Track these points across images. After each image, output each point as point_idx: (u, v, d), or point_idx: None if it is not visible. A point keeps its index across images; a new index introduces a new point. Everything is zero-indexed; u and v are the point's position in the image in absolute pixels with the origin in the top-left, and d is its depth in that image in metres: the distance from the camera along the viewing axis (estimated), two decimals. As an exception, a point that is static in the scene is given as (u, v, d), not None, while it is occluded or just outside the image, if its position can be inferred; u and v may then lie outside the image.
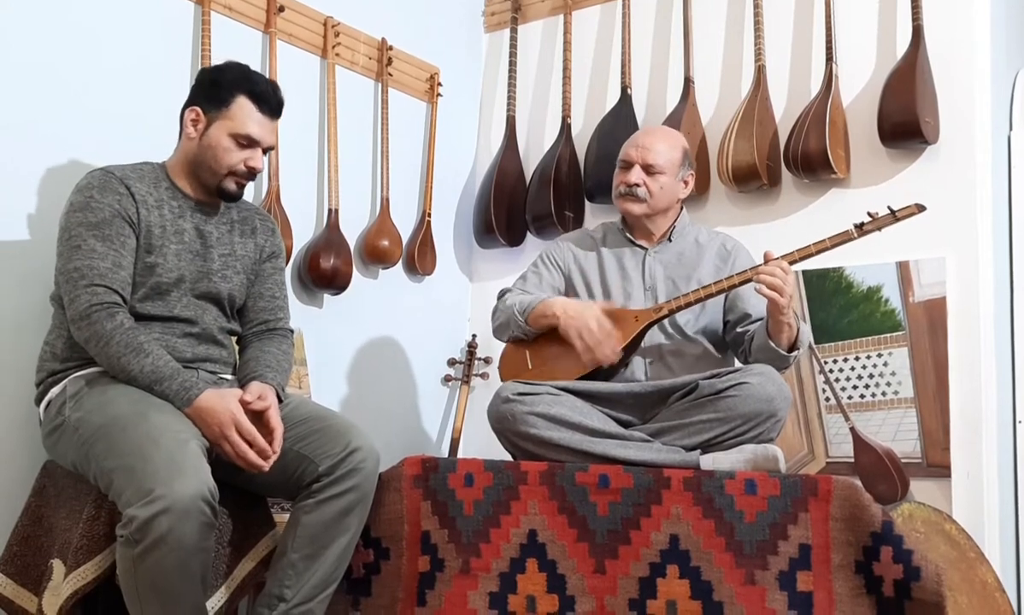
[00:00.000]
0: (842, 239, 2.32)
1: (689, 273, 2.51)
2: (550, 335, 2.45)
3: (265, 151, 2.21)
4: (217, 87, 2.16)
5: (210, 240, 2.21)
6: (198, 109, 2.16)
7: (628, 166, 2.52)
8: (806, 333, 2.37)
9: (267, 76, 2.85)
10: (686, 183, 2.59)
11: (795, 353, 2.33)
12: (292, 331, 2.37)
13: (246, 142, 2.15)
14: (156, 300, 2.11)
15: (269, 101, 2.18)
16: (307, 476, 2.09)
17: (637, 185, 2.49)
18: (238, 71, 2.19)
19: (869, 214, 2.30)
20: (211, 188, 2.19)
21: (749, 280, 2.31)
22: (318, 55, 3.10)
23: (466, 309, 3.65)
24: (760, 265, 2.28)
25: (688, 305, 2.38)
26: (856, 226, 2.31)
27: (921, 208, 2.30)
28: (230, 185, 2.18)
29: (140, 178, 2.13)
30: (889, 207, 2.31)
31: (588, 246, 2.64)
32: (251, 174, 2.19)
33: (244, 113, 2.14)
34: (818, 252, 2.33)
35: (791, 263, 2.29)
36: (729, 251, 2.55)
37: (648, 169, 2.50)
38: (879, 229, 2.31)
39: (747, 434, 2.19)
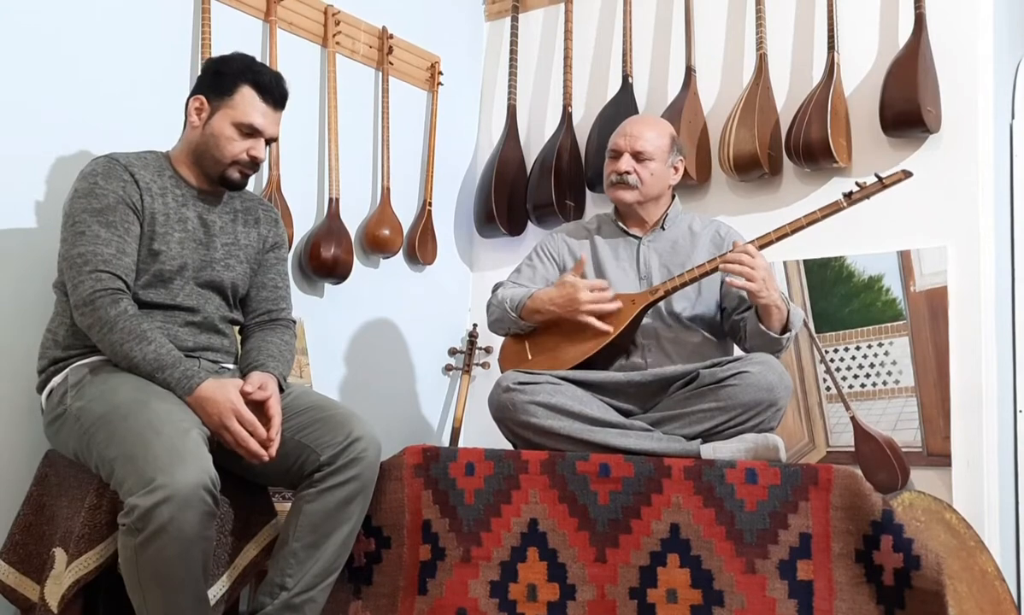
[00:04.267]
0: (832, 210, 2.34)
1: (684, 261, 2.51)
2: (548, 326, 2.46)
3: (268, 142, 2.21)
4: (221, 76, 2.16)
5: (213, 229, 2.21)
6: (203, 98, 2.16)
7: (617, 155, 2.54)
8: (797, 314, 2.38)
9: (269, 66, 2.86)
10: (676, 169, 2.60)
11: (788, 335, 2.33)
12: (294, 321, 2.37)
13: (249, 131, 2.15)
14: (159, 287, 2.11)
15: (273, 92, 2.18)
16: (308, 465, 2.10)
17: (628, 173, 2.51)
18: (243, 62, 2.20)
19: (858, 184, 2.32)
20: (214, 177, 2.19)
21: (717, 268, 2.33)
22: (319, 44, 3.10)
23: (467, 298, 3.65)
24: (726, 252, 2.31)
25: (684, 285, 2.39)
26: (845, 195, 2.33)
27: (908, 174, 2.32)
28: (233, 174, 2.18)
29: (144, 166, 2.14)
30: (876, 174, 2.32)
31: (583, 237, 2.66)
32: (254, 164, 2.19)
33: (247, 102, 2.15)
34: (809, 224, 2.34)
35: (783, 237, 2.32)
36: (723, 237, 2.56)
37: (637, 156, 2.51)
38: (868, 197, 2.32)
39: (748, 423, 2.19)
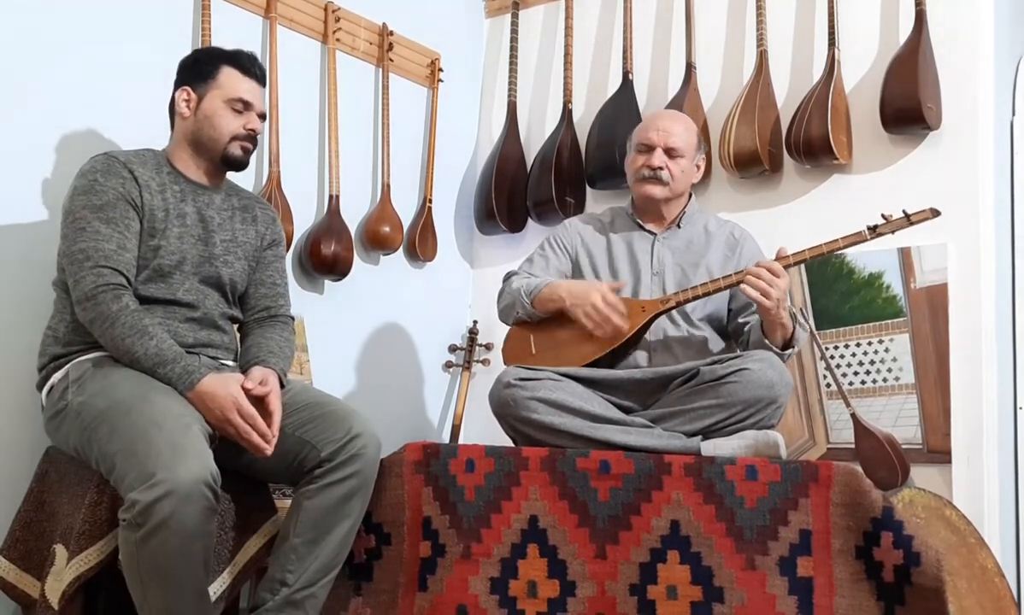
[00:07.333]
0: (854, 240, 2.30)
1: (697, 260, 2.50)
2: (555, 320, 2.46)
3: (260, 118, 2.25)
4: (201, 63, 2.23)
5: (211, 225, 2.22)
6: (188, 88, 2.21)
7: (649, 149, 2.50)
8: (802, 336, 2.36)
9: (267, 61, 2.86)
10: (699, 167, 2.60)
11: (789, 351, 2.33)
12: (292, 318, 2.38)
13: (241, 106, 2.20)
14: (158, 282, 2.11)
15: (253, 68, 2.25)
16: (309, 462, 2.10)
17: (661, 168, 2.48)
18: (217, 49, 2.28)
19: (883, 217, 2.29)
20: (216, 159, 2.21)
21: (733, 285, 2.32)
22: (319, 40, 3.09)
23: (467, 295, 3.64)
24: (750, 267, 2.28)
25: (696, 298, 2.37)
26: (869, 228, 2.30)
27: (936, 213, 2.28)
28: (235, 150, 2.21)
29: (142, 163, 2.15)
30: (904, 211, 2.30)
31: (596, 229, 2.64)
32: (252, 137, 2.23)
33: (232, 80, 2.20)
34: (830, 252, 2.31)
35: (801, 261, 2.29)
36: (737, 239, 2.55)
37: (670, 152, 2.49)
38: (892, 232, 2.30)
39: (748, 420, 2.20)
